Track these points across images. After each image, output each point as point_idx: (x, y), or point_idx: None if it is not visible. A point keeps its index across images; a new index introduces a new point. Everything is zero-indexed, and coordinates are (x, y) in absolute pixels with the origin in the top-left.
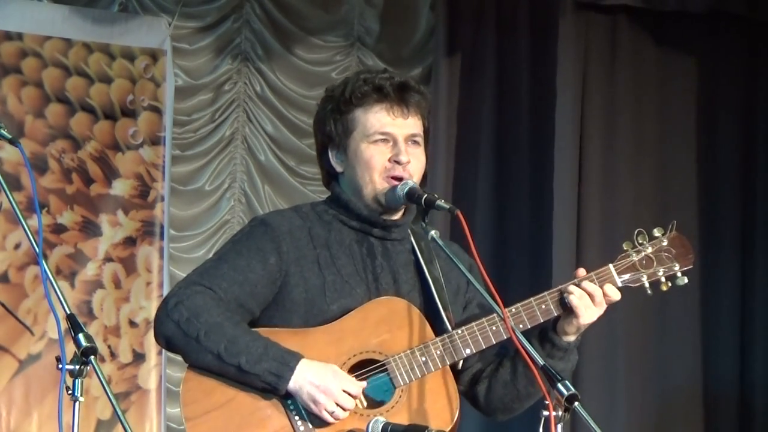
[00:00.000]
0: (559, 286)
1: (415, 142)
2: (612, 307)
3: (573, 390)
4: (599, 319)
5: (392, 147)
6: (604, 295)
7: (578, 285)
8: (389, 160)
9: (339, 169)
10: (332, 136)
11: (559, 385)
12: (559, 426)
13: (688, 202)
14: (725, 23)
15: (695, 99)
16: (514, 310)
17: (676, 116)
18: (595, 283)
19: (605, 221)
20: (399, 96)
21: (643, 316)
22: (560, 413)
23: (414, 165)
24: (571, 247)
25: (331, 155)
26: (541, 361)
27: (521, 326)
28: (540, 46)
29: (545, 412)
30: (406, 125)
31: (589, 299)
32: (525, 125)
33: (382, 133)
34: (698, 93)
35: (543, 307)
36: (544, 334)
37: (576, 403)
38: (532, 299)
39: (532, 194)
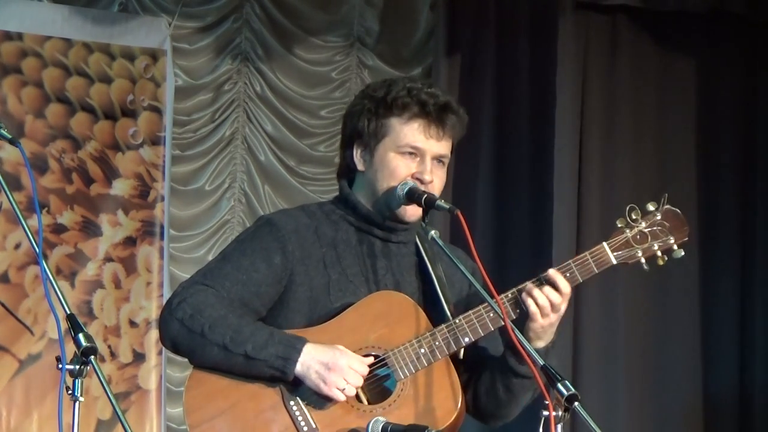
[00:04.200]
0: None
1: (441, 162)
2: (613, 306)
3: (573, 390)
4: (600, 319)
5: (419, 163)
6: (556, 288)
7: (529, 291)
8: (412, 176)
9: (360, 167)
10: (362, 133)
11: (559, 385)
12: (559, 426)
13: (687, 202)
14: (725, 23)
15: (695, 99)
16: (510, 295)
17: (676, 116)
18: (589, 262)
19: (605, 221)
20: (439, 116)
21: (644, 316)
22: (560, 413)
23: (435, 185)
24: (571, 247)
25: (356, 151)
26: (541, 361)
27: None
28: (540, 46)
29: (545, 412)
30: (438, 146)
31: (549, 309)
32: (525, 125)
33: (413, 147)
34: (698, 93)
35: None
36: (504, 363)
37: (576, 403)
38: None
39: (532, 194)
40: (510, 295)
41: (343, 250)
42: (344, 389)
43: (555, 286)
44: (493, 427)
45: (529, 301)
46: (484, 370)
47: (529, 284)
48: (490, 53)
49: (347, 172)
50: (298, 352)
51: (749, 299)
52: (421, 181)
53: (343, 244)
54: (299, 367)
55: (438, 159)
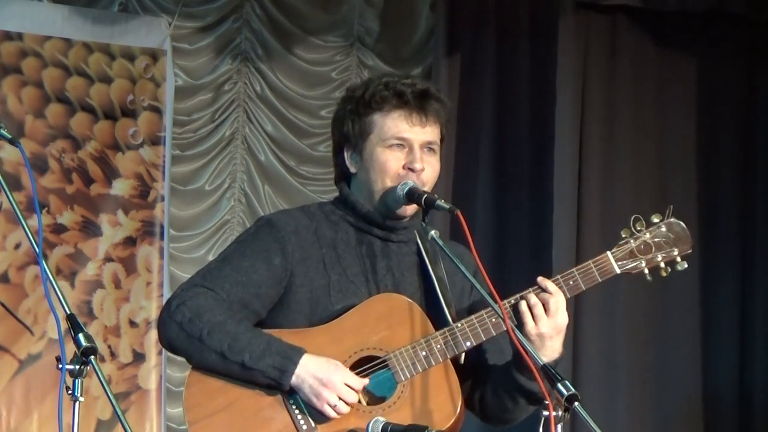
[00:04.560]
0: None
1: (431, 150)
2: (613, 305)
3: (573, 390)
4: (600, 319)
5: (407, 153)
6: (546, 292)
7: (524, 297)
8: (403, 167)
9: (353, 169)
10: (349, 136)
11: (559, 385)
12: (559, 426)
13: (687, 202)
14: (725, 23)
15: (695, 99)
16: (513, 300)
17: (676, 116)
18: (594, 271)
19: (605, 221)
20: (419, 103)
21: (644, 316)
22: (560, 413)
23: (427, 173)
24: (571, 247)
25: (347, 155)
26: (541, 361)
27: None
28: (540, 46)
29: (545, 412)
30: (423, 133)
31: (540, 309)
32: (525, 125)
33: (399, 139)
34: (698, 93)
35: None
36: (519, 361)
37: (576, 403)
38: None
39: (532, 194)
40: (513, 300)
41: (343, 250)
42: (336, 406)
43: (544, 290)
44: (499, 429)
45: (522, 305)
46: (491, 376)
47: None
48: (490, 53)
49: (343, 178)
50: (295, 364)
51: (749, 300)
52: (413, 170)
53: (343, 245)
54: (294, 379)
55: (427, 146)
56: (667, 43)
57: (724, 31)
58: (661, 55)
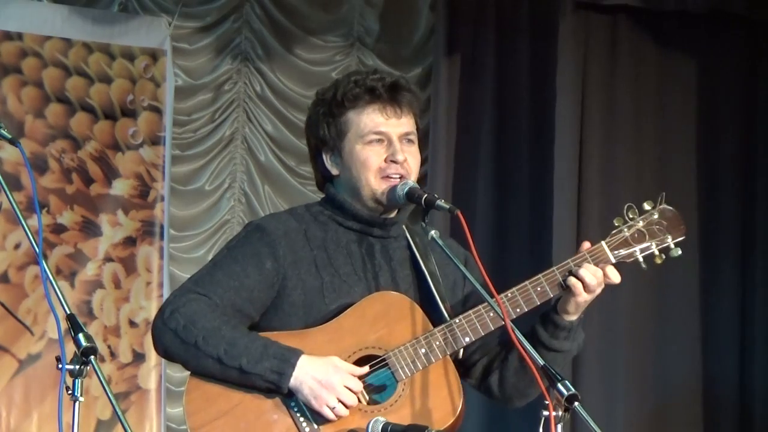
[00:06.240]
0: (554, 267)
1: (410, 141)
2: (612, 304)
3: (573, 390)
4: (600, 318)
5: (387, 147)
6: (605, 276)
7: (578, 266)
8: (385, 160)
9: (335, 171)
10: (326, 139)
11: (559, 385)
12: (559, 426)
13: (687, 202)
14: (725, 23)
15: (695, 99)
16: (510, 294)
17: (676, 116)
18: (590, 263)
19: (605, 221)
20: (391, 96)
21: (643, 315)
22: (560, 413)
23: (410, 163)
24: (572, 247)
25: (326, 158)
26: (540, 361)
27: (518, 310)
28: (540, 46)
29: (545, 412)
30: (399, 124)
31: (591, 280)
32: (525, 125)
33: (377, 133)
34: (698, 93)
35: (539, 289)
36: (546, 315)
37: (576, 403)
38: (527, 282)
39: (532, 194)
40: (509, 294)
41: (334, 250)
42: (335, 408)
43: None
44: (518, 406)
45: (583, 273)
46: (512, 350)
47: (573, 263)
48: (490, 53)
49: (323, 181)
50: (292, 366)
51: (749, 298)
52: (395, 162)
53: (333, 245)
54: (293, 381)
55: (405, 138)
56: (667, 43)
57: (724, 31)
58: (661, 55)
